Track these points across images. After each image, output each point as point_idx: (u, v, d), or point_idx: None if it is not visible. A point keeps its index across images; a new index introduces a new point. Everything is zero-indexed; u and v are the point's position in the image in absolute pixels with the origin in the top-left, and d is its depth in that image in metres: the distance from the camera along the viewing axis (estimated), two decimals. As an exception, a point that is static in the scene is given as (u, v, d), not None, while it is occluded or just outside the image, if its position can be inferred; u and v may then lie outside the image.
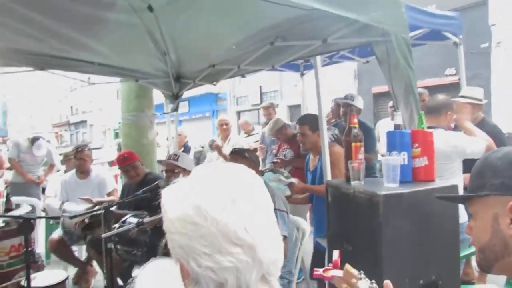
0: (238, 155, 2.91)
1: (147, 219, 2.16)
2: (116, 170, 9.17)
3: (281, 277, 2.07)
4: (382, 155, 5.54)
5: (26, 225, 2.07)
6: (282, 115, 12.90)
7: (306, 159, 3.29)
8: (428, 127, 2.67)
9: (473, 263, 3.27)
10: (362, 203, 1.69)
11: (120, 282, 3.28)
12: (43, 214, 4.50)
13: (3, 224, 2.82)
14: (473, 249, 2.25)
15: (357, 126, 1.98)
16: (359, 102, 4.25)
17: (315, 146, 2.99)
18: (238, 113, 24.51)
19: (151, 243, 2.30)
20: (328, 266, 1.07)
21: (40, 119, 63.11)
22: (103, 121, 44.10)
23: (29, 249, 2.12)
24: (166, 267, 1.56)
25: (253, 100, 24.75)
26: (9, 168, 5.58)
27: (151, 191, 2.94)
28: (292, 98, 22.01)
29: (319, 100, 2.75)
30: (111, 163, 11.40)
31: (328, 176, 2.65)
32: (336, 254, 1.07)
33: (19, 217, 2.14)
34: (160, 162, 3.76)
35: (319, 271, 1.04)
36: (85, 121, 49.53)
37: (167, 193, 0.80)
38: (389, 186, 1.75)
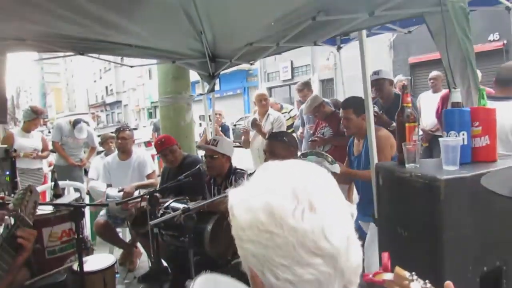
0: (275, 139, 2.85)
1: (193, 205, 2.15)
2: (152, 150, 9.41)
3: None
4: (423, 130, 5.35)
5: (76, 212, 2.12)
6: (314, 89, 12.65)
7: (349, 142, 3.17)
8: (500, 98, 2.52)
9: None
10: (419, 188, 1.59)
11: (165, 264, 3.38)
12: (87, 197, 4.66)
13: (54, 210, 2.92)
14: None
15: (410, 105, 1.86)
16: (387, 74, 4.04)
17: (360, 130, 2.88)
18: (269, 89, 24.28)
19: (197, 229, 2.31)
20: (379, 269, 1.01)
21: (77, 100, 65.41)
22: (136, 101, 45.16)
23: (80, 236, 2.17)
24: (220, 281, 1.54)
25: (284, 76, 24.43)
26: (52, 151, 5.79)
27: (193, 175, 2.96)
28: (324, 72, 21.54)
29: (365, 82, 2.60)
30: (147, 144, 11.66)
31: (375, 159, 2.54)
32: (385, 257, 1.01)
33: (70, 205, 2.20)
34: (199, 147, 3.76)
35: (369, 275, 0.98)
36: (120, 101, 50.90)
37: (235, 194, 0.73)
38: (448, 169, 1.63)
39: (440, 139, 1.70)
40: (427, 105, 5.49)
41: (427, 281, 0.92)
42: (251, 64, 4.28)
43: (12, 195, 2.47)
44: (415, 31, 4.30)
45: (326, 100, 4.84)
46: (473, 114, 1.78)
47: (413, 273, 0.93)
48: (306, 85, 5.68)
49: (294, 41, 3.24)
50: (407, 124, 1.81)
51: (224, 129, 5.90)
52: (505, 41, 13.27)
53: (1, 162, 3.40)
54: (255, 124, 4.68)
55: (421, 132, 5.35)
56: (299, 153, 3.08)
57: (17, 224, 1.49)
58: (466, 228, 1.53)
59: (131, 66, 4.49)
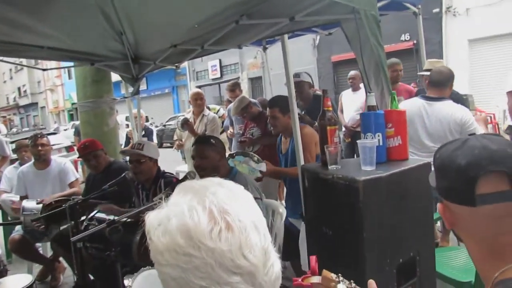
0: (203, 143, 2.82)
1: (118, 217, 2.05)
2: (74, 156, 8.80)
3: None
4: (345, 126, 5.68)
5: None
6: (243, 87, 12.76)
7: (277, 141, 3.25)
8: (435, 98, 2.85)
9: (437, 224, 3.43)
10: (341, 188, 1.69)
11: (92, 277, 3.19)
12: None
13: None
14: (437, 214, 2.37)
15: (331, 109, 1.95)
16: (305, 77, 4.24)
17: (287, 129, 2.96)
18: (199, 88, 24.05)
19: (124, 240, 2.21)
20: (306, 272, 1.06)
21: (-16, 103, 59.05)
22: (55, 103, 41.94)
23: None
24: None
25: (213, 74, 24.32)
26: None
27: (119, 184, 2.82)
28: (253, 70, 21.84)
29: (289, 82, 2.68)
30: (68, 149, 10.88)
31: (301, 159, 2.63)
32: (313, 260, 1.06)
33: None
34: (123, 152, 3.60)
35: (298, 280, 1.03)
36: (36, 103, 46.88)
37: (152, 217, 0.72)
38: (366, 169, 1.75)
39: (358, 141, 1.81)
40: (348, 103, 5.82)
41: (352, 281, 0.97)
42: (177, 67, 4.19)
43: None
44: (336, 31, 4.54)
45: (253, 100, 4.91)
46: (387, 116, 1.93)
47: (339, 274, 0.98)
48: (237, 85, 5.72)
49: (218, 43, 3.23)
50: (328, 127, 1.90)
51: (148, 133, 5.71)
52: (415, 41, 14.51)
53: None
54: (186, 124, 4.61)
55: (344, 129, 5.67)
56: (227, 154, 3.09)
57: None
58: (383, 224, 1.65)
59: (44, 69, 4.14)
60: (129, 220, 2.34)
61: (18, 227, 3.72)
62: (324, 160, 1.88)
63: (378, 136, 1.87)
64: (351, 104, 5.73)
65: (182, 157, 6.82)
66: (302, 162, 2.61)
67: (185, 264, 0.64)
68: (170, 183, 2.97)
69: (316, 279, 1.00)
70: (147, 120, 12.26)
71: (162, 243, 0.67)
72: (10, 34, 2.93)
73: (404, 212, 1.71)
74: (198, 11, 2.81)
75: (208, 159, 2.75)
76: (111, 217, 2.43)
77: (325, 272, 1.00)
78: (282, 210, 2.78)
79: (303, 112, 3.91)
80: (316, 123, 3.43)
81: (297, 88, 4.06)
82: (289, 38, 4.83)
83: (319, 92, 4.63)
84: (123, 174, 2.87)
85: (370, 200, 1.60)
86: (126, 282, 1.58)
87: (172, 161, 7.43)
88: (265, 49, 5.24)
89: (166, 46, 3.60)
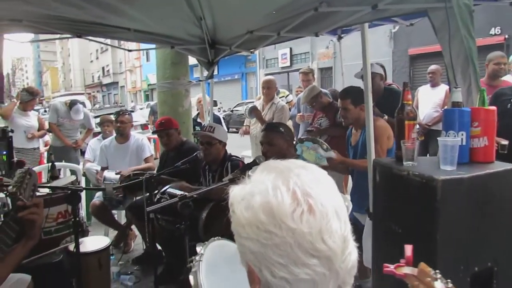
0: (271, 130, 2.85)
1: (190, 193, 2.16)
2: (148, 133, 9.36)
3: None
4: (419, 124, 5.37)
5: (74, 196, 2.12)
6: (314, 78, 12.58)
7: (347, 133, 3.18)
8: None
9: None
10: (416, 186, 1.61)
11: (159, 247, 3.40)
12: (83, 178, 4.66)
13: (51, 192, 2.92)
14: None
15: (411, 103, 1.86)
16: (377, 68, 4.02)
17: (358, 121, 2.88)
18: (266, 76, 24.16)
19: (192, 216, 2.32)
20: (400, 262, 1.02)
21: (73, 80, 64.74)
22: (133, 83, 44.75)
23: (77, 218, 2.18)
24: (232, 250, 1.57)
25: (283, 63, 24.27)
26: (49, 131, 5.76)
27: (190, 162, 2.97)
28: (324, 61, 21.43)
29: (366, 74, 2.59)
30: (143, 126, 11.60)
31: (372, 152, 2.55)
32: (408, 250, 1.01)
33: (68, 188, 2.20)
34: (195, 134, 3.75)
35: (390, 267, 0.99)
36: (117, 83, 50.40)
37: (236, 191, 0.74)
38: (446, 169, 1.65)
39: (438, 138, 1.71)
40: (425, 99, 5.49)
41: (449, 280, 0.92)
42: (251, 52, 4.24)
43: (13, 176, 2.47)
44: (418, 22, 4.27)
45: (324, 90, 4.83)
46: (473, 115, 1.79)
47: (437, 271, 0.94)
48: (312, 71, 5.66)
49: (295, 31, 3.21)
50: (406, 122, 1.82)
51: (215, 120, 5.82)
52: (506, 36, 13.22)
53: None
54: (254, 111, 4.67)
55: (417, 126, 5.37)
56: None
57: (16, 209, 1.50)
58: (460, 228, 1.55)
59: (129, 50, 4.43)
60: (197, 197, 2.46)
61: (98, 194, 4.07)
62: (399, 155, 1.81)
63: (462, 135, 1.74)
64: (428, 100, 5.40)
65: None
66: (373, 155, 2.52)
67: (265, 240, 0.66)
68: (236, 166, 3.06)
69: (409, 270, 0.95)
70: (215, 105, 12.59)
71: (244, 217, 0.70)
72: (103, 17, 3.17)
73: (485, 218, 1.59)
74: (277, -3, 2.81)
75: (276, 147, 2.78)
76: (182, 193, 2.57)
77: (423, 265, 0.95)
78: (348, 203, 2.73)
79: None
80: (385, 116, 3.32)
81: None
82: (369, 28, 4.69)
83: (395, 86, 4.42)
84: (195, 153, 3.00)
85: (448, 201, 1.51)
86: (198, 249, 1.66)
87: (238, 146, 7.59)
88: (339, 38, 5.10)
89: (242, 32, 3.66)
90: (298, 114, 5.14)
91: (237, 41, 3.85)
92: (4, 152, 3.37)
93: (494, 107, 1.83)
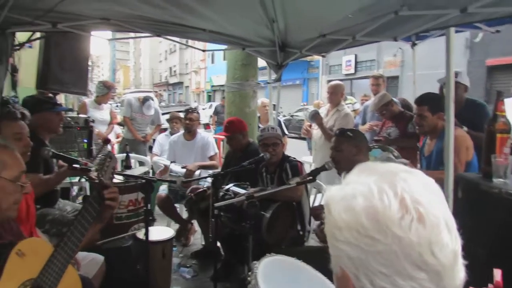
0: (340, 136, 2.75)
1: (257, 193, 2.17)
2: (210, 133, 9.62)
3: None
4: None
5: (147, 185, 2.22)
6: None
7: (423, 142, 3.02)
8: None
9: None
10: (508, 207, 1.47)
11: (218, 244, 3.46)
12: (151, 171, 4.90)
13: (124, 180, 3.09)
14: None
15: (504, 114, 1.71)
16: (463, 78, 3.73)
17: (434, 129, 2.72)
18: (329, 82, 23.80)
19: (256, 215, 2.33)
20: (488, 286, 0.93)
21: (143, 78, 68.68)
22: (197, 84, 46.43)
23: (143, 206, 2.28)
24: (288, 265, 1.55)
25: (346, 70, 23.77)
26: (121, 124, 6.09)
27: (255, 163, 2.98)
28: (390, 69, 20.67)
29: (449, 81, 2.43)
30: (205, 126, 11.95)
31: (451, 164, 2.38)
32: (498, 275, 0.93)
33: (143, 177, 2.31)
34: (261, 137, 3.77)
35: None
36: (182, 83, 52.61)
37: (333, 191, 0.70)
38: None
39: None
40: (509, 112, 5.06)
41: None
42: (323, 56, 4.19)
43: (94, 159, 2.68)
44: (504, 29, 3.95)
45: (395, 99, 4.63)
46: None
47: None
48: (382, 77, 5.47)
49: (371, 35, 3.11)
50: (498, 135, 1.67)
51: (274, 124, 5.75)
52: None
53: (81, 130, 3.67)
54: (315, 117, 4.59)
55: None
56: None
57: (99, 187, 1.59)
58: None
59: (203, 50, 4.58)
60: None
61: (163, 187, 4.24)
62: (487, 171, 1.67)
63: None
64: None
65: (308, 147, 6.85)
66: (452, 168, 2.35)
67: (367, 246, 0.62)
68: (295, 166, 3.04)
69: None
70: (274, 109, 12.58)
71: (342, 219, 0.65)
72: (182, 17, 3.31)
73: None
74: (355, 0, 2.74)
75: (343, 153, 2.69)
76: (247, 192, 2.58)
77: None
78: None
79: None
80: (464, 128, 3.09)
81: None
82: (441, 35, 4.43)
83: (477, 98, 4.12)
84: (262, 154, 3.02)
85: None
86: (252, 265, 1.64)
87: (297, 151, 7.55)
88: (413, 45, 4.87)
89: (314, 35, 3.62)
90: (368, 123, 4.99)
91: (308, 44, 3.82)
92: (85, 140, 3.64)
93: None
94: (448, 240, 0.62)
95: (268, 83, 4.58)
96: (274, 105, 5.18)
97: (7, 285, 1.19)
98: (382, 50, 20.34)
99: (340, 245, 0.66)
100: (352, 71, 23.38)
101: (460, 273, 0.64)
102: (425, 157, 2.89)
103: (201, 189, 3.28)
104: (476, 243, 1.65)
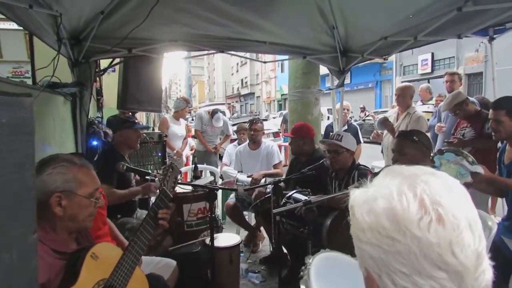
0: (405, 139, 2.66)
1: (314, 199, 2.20)
2: (280, 141, 9.75)
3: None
4: None
5: (210, 194, 2.38)
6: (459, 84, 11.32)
7: (500, 149, 2.79)
8: None
9: None
10: None
11: (285, 250, 3.52)
12: (220, 180, 5.14)
13: (193, 190, 3.32)
14: None
15: None
16: None
17: None
18: (403, 83, 22.64)
19: (316, 222, 2.36)
20: None
21: (216, 92, 71.61)
22: (268, 93, 47.19)
23: (213, 215, 2.43)
24: (341, 262, 1.56)
25: (423, 69, 22.49)
26: (193, 136, 6.48)
27: (317, 169, 3.01)
28: (472, 65, 19.10)
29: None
30: (275, 134, 12.13)
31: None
32: None
33: (205, 186, 2.48)
34: (323, 142, 3.78)
35: None
36: (253, 93, 53.86)
37: (357, 194, 0.73)
38: None
39: None
40: None
41: None
42: (385, 59, 4.09)
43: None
44: None
45: (471, 98, 4.33)
46: None
47: None
48: (457, 74, 5.16)
49: (434, 34, 3.00)
50: None
51: (350, 128, 5.59)
52: None
53: (155, 144, 4.02)
54: (384, 123, 4.42)
55: None
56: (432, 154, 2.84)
57: (160, 197, 1.76)
58: None
59: (264, 62, 4.73)
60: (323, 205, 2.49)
61: (232, 195, 4.43)
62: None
63: None
64: None
65: (382, 151, 6.63)
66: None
67: (388, 246, 0.64)
68: (364, 175, 2.98)
69: None
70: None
71: (365, 221, 0.68)
72: (243, 32, 3.49)
73: None
74: (415, 0, 2.67)
75: (407, 156, 2.60)
76: (306, 198, 2.62)
77: None
78: (492, 223, 2.40)
79: None
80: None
81: None
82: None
83: None
84: (321, 161, 3.04)
85: None
86: (306, 259, 1.68)
87: (369, 156, 7.35)
88: (491, 39, 4.51)
89: (375, 38, 3.57)
90: (437, 124, 4.71)
91: (369, 48, 3.77)
92: (159, 154, 3.96)
93: None
94: (470, 240, 0.63)
95: (331, 89, 4.57)
96: (343, 109, 5.12)
97: (84, 284, 1.37)
98: (463, 46, 18.88)
99: (363, 246, 0.69)
100: (429, 70, 22.04)
101: (486, 275, 0.64)
102: (505, 165, 2.67)
103: (267, 196, 3.38)
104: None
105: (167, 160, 4.15)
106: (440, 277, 0.61)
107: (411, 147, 2.61)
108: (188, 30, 3.34)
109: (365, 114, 19.62)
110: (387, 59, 4.16)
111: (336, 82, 4.48)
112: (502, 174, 2.67)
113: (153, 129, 5.64)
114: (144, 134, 4.21)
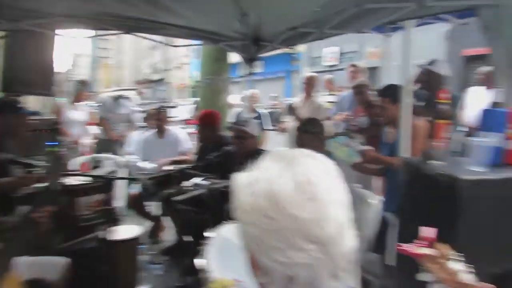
0: (304, 132, 2.82)
1: (215, 184, 2.20)
2: (190, 128, 9.58)
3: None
4: (463, 125, 5.05)
5: (106, 184, 2.23)
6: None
7: (383, 130, 3.10)
8: None
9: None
10: (444, 186, 1.56)
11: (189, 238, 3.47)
12: (124, 170, 4.87)
13: (89, 181, 3.06)
14: None
15: (444, 101, 1.77)
16: (440, 68, 3.78)
17: (395, 120, 2.80)
18: (310, 73, 23.76)
19: (218, 207, 2.36)
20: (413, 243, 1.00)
21: (124, 76, 67.80)
22: (180, 79, 46.06)
23: (110, 207, 2.28)
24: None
25: (330, 61, 23.86)
26: (97, 124, 6.02)
27: (223, 156, 3.02)
28: (373, 60, 20.79)
29: (407, 72, 2.51)
30: (186, 121, 11.91)
31: (405, 150, 2.47)
32: (433, 232, 1.00)
33: (101, 177, 2.31)
34: (229, 128, 3.81)
35: (405, 246, 0.98)
36: (164, 79, 52.12)
37: (241, 178, 0.77)
38: (476, 169, 1.58)
39: (470, 138, 1.64)
40: (475, 101, 5.17)
41: (469, 265, 0.95)
42: (291, 48, 4.25)
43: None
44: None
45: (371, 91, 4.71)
46: (511, 116, 1.69)
47: (456, 253, 0.96)
48: (360, 67, 5.56)
49: (338, 28, 3.17)
50: (438, 121, 1.74)
51: (259, 117, 5.69)
52: None
53: (48, 132, 3.63)
54: (290, 110, 4.67)
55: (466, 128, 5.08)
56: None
57: (42, 191, 1.59)
58: (485, 230, 1.50)
59: (175, 46, 4.60)
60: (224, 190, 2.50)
61: (135, 185, 4.23)
62: (428, 154, 1.74)
63: (497, 136, 1.65)
64: (478, 102, 5.09)
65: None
66: (406, 154, 2.44)
67: (266, 226, 0.69)
68: None
69: (428, 251, 0.97)
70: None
71: (248, 203, 0.72)
72: (153, 14, 3.29)
73: (508, 222, 1.52)
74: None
75: (308, 147, 2.73)
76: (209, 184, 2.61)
77: (439, 245, 0.96)
78: (372, 200, 2.66)
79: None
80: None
81: (425, 77, 3.75)
82: (420, 25, 4.51)
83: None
84: (224, 148, 3.05)
85: (474, 203, 1.48)
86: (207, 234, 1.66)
87: (277, 144, 7.60)
88: (388, 36, 4.94)
89: (285, 27, 3.64)
90: (339, 113, 5.06)
91: (279, 37, 3.85)
92: (53, 143, 3.59)
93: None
94: (336, 214, 0.71)
95: (241, 77, 4.62)
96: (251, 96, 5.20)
97: None
98: (365, 41, 20.39)
99: (245, 227, 0.73)
100: (335, 62, 23.46)
101: (348, 243, 0.72)
102: (386, 144, 2.98)
103: (172, 183, 3.26)
104: (419, 220, 1.72)
105: (62, 149, 3.79)
106: (309, 249, 0.68)
107: (311, 139, 2.78)
108: (88, 5, 3.03)
109: (276, 103, 20.28)
110: (293, 49, 4.34)
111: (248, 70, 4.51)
112: (384, 152, 3.00)
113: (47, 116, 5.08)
114: (36, 121, 3.78)
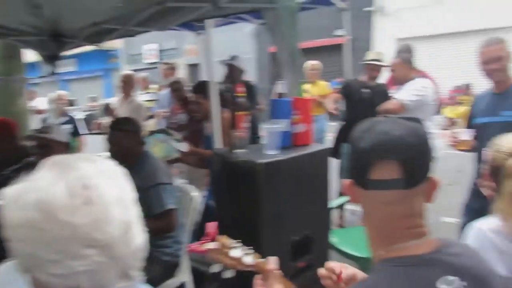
0: (117, 130, 2.69)
1: None
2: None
3: (169, 247, 2.07)
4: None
5: None
6: (181, 73, 12.46)
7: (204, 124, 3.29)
8: None
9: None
10: (244, 171, 1.77)
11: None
12: None
13: None
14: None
15: (242, 95, 2.02)
16: (240, 63, 4.23)
17: (209, 114, 2.99)
18: (134, 72, 22.96)
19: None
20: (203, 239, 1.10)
21: None
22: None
23: None
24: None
25: (149, 58, 23.43)
26: None
27: (24, 169, 2.66)
28: (192, 57, 21.35)
29: (210, 68, 2.71)
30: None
31: (219, 142, 2.69)
32: (212, 227, 1.11)
33: None
34: (30, 138, 3.35)
35: (192, 245, 1.06)
36: None
37: (9, 191, 0.68)
38: (270, 153, 1.84)
39: (262, 125, 1.90)
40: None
41: (250, 247, 1.02)
42: (97, 45, 4.02)
43: None
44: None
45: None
46: (294, 104, 2.04)
47: (237, 241, 1.02)
48: (172, 64, 5.65)
49: (143, 25, 3.15)
50: (237, 113, 1.97)
51: (70, 122, 5.19)
52: (349, 37, 15.16)
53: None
54: (107, 110, 4.42)
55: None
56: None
57: None
58: (282, 204, 1.77)
59: None
60: None
61: None
62: (232, 144, 1.95)
63: (285, 122, 1.97)
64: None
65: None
66: (220, 146, 2.67)
67: (39, 238, 0.64)
68: None
69: (212, 244, 1.02)
70: (71, 105, 11.06)
71: (17, 218, 0.66)
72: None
73: (302, 194, 1.84)
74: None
75: (121, 146, 2.62)
76: None
77: (220, 237, 1.02)
78: (193, 194, 2.82)
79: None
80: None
81: (229, 71, 4.07)
82: (223, 24, 4.86)
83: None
84: (27, 159, 2.71)
85: (270, 182, 1.70)
86: None
87: (98, 149, 7.12)
88: (198, 34, 5.18)
89: (87, 23, 3.43)
90: (157, 110, 5.10)
91: (83, 33, 3.59)
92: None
93: (310, 98, 2.12)
94: (118, 215, 0.68)
95: (42, 77, 4.11)
96: (70, 100, 4.69)
97: None
98: (183, 38, 20.70)
99: (16, 243, 0.66)
100: (156, 59, 23.20)
101: (135, 240, 0.72)
102: (206, 138, 3.17)
103: None
104: (230, 205, 1.94)
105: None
106: (90, 254, 0.65)
107: (123, 137, 2.65)
108: None
109: (95, 104, 18.84)
110: (110, 46, 4.12)
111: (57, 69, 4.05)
112: (205, 146, 3.19)
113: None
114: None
